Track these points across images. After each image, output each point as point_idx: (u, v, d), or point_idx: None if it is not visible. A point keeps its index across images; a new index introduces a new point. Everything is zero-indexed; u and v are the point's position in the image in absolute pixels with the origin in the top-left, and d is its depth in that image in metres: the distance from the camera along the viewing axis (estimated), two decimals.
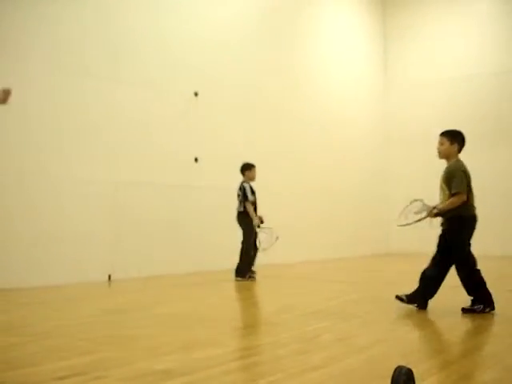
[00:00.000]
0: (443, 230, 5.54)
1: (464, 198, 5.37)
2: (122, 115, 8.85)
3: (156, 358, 3.66)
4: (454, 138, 5.56)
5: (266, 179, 11.02)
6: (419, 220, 5.46)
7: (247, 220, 8.58)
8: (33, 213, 7.69)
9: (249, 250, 8.58)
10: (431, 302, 5.59)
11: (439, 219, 5.57)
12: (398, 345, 4.19)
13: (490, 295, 5.34)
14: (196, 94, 9.98)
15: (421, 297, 5.54)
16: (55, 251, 7.86)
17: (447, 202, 5.39)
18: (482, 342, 4.13)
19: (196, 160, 9.91)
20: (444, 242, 5.50)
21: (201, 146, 10.03)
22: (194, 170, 9.88)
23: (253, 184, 8.80)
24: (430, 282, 5.54)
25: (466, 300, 5.48)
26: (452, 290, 7.32)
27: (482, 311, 5.29)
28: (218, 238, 10.03)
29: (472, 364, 3.49)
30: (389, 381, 2.35)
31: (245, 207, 8.62)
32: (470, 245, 5.50)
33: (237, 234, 9.81)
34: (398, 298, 5.66)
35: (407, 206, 5.60)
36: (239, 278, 8.47)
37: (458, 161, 5.56)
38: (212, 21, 10.42)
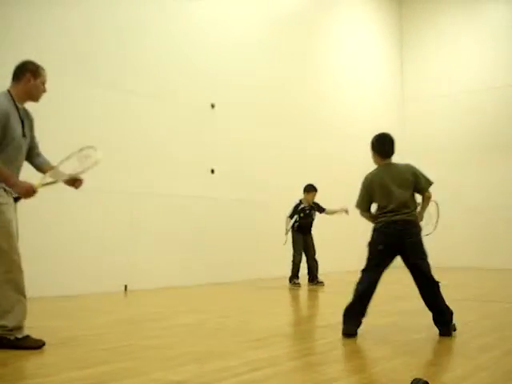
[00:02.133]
0: None
1: (362, 215, 5.22)
2: (139, 127, 8.90)
3: (171, 369, 3.66)
4: (371, 148, 5.31)
5: (280, 192, 11.03)
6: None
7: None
8: (49, 224, 7.74)
9: (294, 257, 9.36)
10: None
11: None
12: (414, 358, 4.14)
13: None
14: (213, 106, 10.02)
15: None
16: (71, 261, 7.89)
17: None
18: (499, 356, 4.07)
19: (212, 171, 9.93)
20: None
21: (217, 157, 10.05)
22: (211, 181, 9.90)
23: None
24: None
25: (487, 315, 5.42)
26: (465, 305, 7.26)
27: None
28: (234, 250, 10.03)
29: (489, 379, 3.45)
30: None
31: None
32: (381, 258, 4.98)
33: (251, 245, 9.87)
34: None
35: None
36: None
37: (370, 172, 5.27)
38: (228, 33, 10.47)
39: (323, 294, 8.46)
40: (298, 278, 9.27)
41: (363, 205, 5.16)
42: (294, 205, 9.53)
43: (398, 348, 4.49)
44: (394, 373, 3.63)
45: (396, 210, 4.91)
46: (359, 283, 5.01)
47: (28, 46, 7.61)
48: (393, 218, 4.89)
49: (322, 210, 9.64)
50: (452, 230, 12.98)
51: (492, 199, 13.46)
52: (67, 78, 8.04)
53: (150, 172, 8.99)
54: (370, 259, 5.01)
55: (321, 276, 9.42)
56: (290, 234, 9.44)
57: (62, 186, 7.40)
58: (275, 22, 11.64)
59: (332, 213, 9.72)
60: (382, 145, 5.22)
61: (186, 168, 9.53)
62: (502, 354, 4.18)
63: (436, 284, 4.95)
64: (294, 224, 9.43)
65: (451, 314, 4.92)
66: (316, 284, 9.31)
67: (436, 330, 4.94)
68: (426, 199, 5.18)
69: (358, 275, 5.07)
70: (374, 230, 5.04)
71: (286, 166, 11.35)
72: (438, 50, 14.98)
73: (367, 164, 13.92)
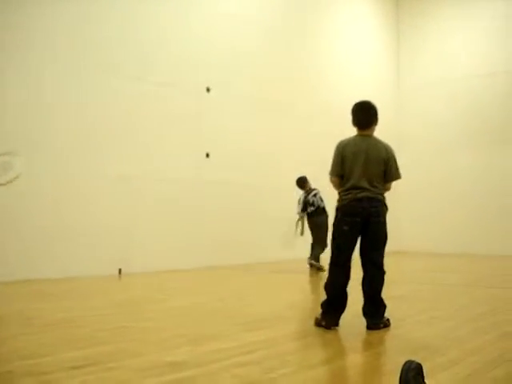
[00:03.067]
0: None
1: (333, 180, 4.64)
2: (135, 111, 8.89)
3: (167, 351, 3.69)
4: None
5: (274, 174, 11.06)
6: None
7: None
8: (45, 207, 7.75)
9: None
10: (444, 303, 5.58)
11: None
12: (406, 341, 4.19)
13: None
14: (208, 90, 10.01)
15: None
16: (67, 244, 7.92)
17: None
18: (491, 340, 4.12)
19: (207, 155, 9.94)
20: None
21: (212, 141, 10.05)
22: (206, 164, 9.91)
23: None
24: None
25: (478, 300, 5.46)
26: (457, 290, 7.33)
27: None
28: (229, 233, 10.08)
29: (481, 362, 3.49)
30: (398, 376, 2.36)
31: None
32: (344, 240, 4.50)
33: (247, 229, 9.88)
34: None
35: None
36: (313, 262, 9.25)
37: (346, 138, 4.80)
38: (225, 17, 10.44)
39: (322, 279, 8.50)
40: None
41: (336, 169, 4.60)
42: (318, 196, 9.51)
43: (390, 331, 4.54)
44: (386, 356, 3.69)
45: (362, 186, 4.43)
46: (328, 284, 4.61)
47: (39, 35, 7.58)
48: (358, 196, 4.42)
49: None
50: (444, 215, 13.07)
51: (484, 185, 13.52)
52: (76, 66, 8.01)
53: (145, 156, 8.99)
54: (335, 244, 4.55)
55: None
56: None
57: (58, 170, 7.40)
58: (273, 4, 11.59)
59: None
60: (356, 115, 4.83)
61: (181, 152, 9.54)
62: (494, 338, 4.23)
63: (383, 274, 4.56)
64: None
65: (384, 307, 4.56)
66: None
67: (429, 315, 4.99)
68: (385, 189, 4.64)
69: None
70: (338, 209, 4.56)
71: (282, 149, 11.36)
72: (433, 37, 14.99)
73: None
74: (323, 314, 4.52)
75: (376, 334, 4.33)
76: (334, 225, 4.56)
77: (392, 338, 4.29)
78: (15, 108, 7.53)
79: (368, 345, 3.93)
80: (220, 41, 10.29)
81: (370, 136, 4.72)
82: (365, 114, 4.76)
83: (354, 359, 3.56)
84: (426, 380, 2.35)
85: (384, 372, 3.21)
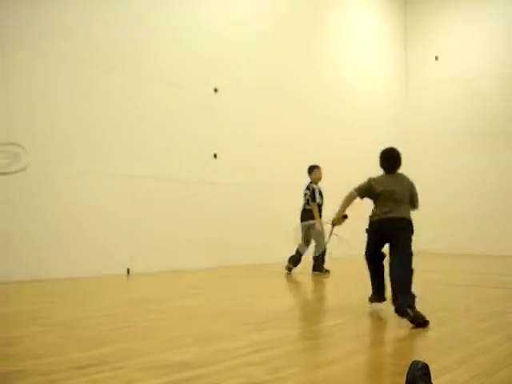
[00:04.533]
0: None
1: (353, 196, 5.52)
2: (142, 111, 8.91)
3: (174, 350, 3.71)
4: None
5: (283, 175, 11.06)
6: None
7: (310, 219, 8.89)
8: (53, 206, 7.78)
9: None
10: (452, 303, 5.57)
11: None
12: (414, 342, 4.20)
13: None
14: (216, 91, 10.02)
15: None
16: (74, 244, 7.94)
17: None
18: (498, 341, 4.12)
19: (215, 156, 9.96)
20: None
21: (220, 142, 10.07)
22: (213, 165, 9.92)
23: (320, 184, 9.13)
24: None
25: (487, 301, 5.45)
26: (465, 290, 7.31)
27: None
28: (237, 234, 10.08)
29: (488, 362, 3.49)
30: (405, 376, 2.36)
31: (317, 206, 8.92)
32: (375, 249, 5.46)
33: (256, 229, 9.87)
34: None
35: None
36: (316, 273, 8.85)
37: (378, 177, 5.56)
38: (232, 16, 10.45)
39: (329, 280, 8.49)
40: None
41: (362, 193, 5.45)
42: (312, 188, 8.96)
43: (398, 332, 4.54)
44: (393, 356, 3.68)
45: (392, 209, 5.22)
46: (370, 269, 5.54)
47: (32, 31, 7.62)
48: (388, 216, 5.20)
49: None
50: (452, 215, 13.03)
51: (493, 185, 13.44)
52: (76, 63, 8.04)
53: (152, 156, 9.01)
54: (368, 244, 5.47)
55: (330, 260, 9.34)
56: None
57: (66, 168, 7.44)
58: (282, 3, 11.60)
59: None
60: (387, 162, 5.51)
61: (189, 152, 9.56)
62: (501, 338, 4.22)
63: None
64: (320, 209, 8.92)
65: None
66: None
67: (436, 315, 4.98)
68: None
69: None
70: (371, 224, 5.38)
71: (289, 150, 11.35)
72: (442, 37, 14.93)
73: (368, 148, 13.94)
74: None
75: (382, 334, 4.34)
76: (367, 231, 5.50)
77: (399, 339, 4.29)
78: (20, 105, 7.55)
79: (375, 345, 3.93)
80: (228, 41, 10.30)
81: (397, 173, 5.52)
82: (394, 163, 5.49)
83: (361, 360, 3.57)
84: (432, 381, 2.35)
85: (391, 372, 3.21)
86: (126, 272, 8.48)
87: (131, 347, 3.80)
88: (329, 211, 10.31)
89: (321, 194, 8.98)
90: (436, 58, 14.88)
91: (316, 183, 9.04)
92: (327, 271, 8.91)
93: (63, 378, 3.03)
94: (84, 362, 3.35)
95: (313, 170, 9.12)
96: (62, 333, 4.24)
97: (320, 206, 8.92)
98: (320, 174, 9.08)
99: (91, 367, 3.26)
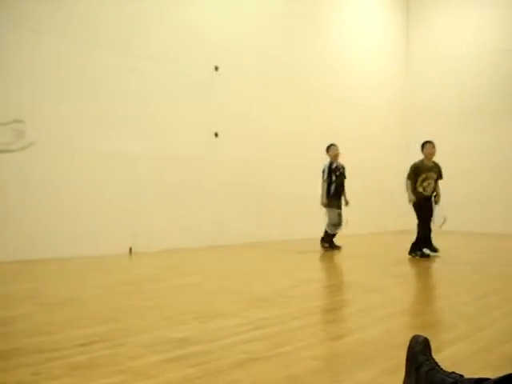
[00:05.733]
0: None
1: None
2: (142, 89, 8.84)
3: (173, 327, 3.70)
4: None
5: (284, 153, 11.03)
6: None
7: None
8: (53, 185, 7.76)
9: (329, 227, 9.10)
10: (455, 280, 5.57)
11: None
12: (415, 317, 4.20)
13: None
14: (216, 69, 9.94)
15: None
16: (76, 223, 7.94)
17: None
18: (499, 317, 4.11)
19: (216, 135, 9.91)
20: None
21: (221, 120, 10.01)
22: (214, 144, 9.88)
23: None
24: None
25: (491, 278, 5.44)
26: (466, 268, 7.31)
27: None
28: (237, 212, 10.07)
29: (490, 337, 3.48)
30: (405, 350, 2.35)
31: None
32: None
33: (254, 209, 9.85)
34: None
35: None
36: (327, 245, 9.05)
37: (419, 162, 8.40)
38: None
39: (333, 257, 8.49)
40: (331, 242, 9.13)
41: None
42: (325, 166, 9.16)
43: (399, 307, 4.54)
44: (395, 331, 3.68)
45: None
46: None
47: (29, 9, 7.54)
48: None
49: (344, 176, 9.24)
50: (455, 195, 12.97)
51: (495, 163, 13.40)
52: (69, 40, 7.98)
53: (153, 134, 8.97)
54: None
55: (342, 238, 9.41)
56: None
57: (65, 147, 7.41)
58: None
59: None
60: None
61: (190, 131, 9.51)
62: (502, 315, 4.22)
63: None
64: (329, 187, 9.08)
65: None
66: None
67: (439, 292, 4.98)
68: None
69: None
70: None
71: (290, 128, 11.29)
72: (444, 11, 14.76)
73: (368, 126, 13.88)
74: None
75: (384, 310, 4.33)
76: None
77: (400, 314, 4.29)
78: (18, 83, 7.50)
79: (376, 321, 3.92)
80: (229, 19, 10.20)
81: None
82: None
83: (362, 336, 3.56)
84: (433, 355, 2.34)
85: (392, 347, 3.20)
86: (128, 251, 8.48)
87: (132, 325, 3.80)
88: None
89: (332, 171, 9.11)
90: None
91: (333, 161, 9.18)
92: (338, 247, 9.06)
93: (63, 356, 3.02)
94: (84, 340, 3.35)
95: (327, 149, 9.28)
96: (62, 311, 4.24)
97: (331, 185, 9.07)
98: (335, 151, 9.21)
99: (91, 344, 3.26)
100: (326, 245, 9.06)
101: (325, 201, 9.02)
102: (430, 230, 8.29)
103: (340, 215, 9.06)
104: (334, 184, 9.08)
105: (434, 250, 8.28)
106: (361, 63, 13.60)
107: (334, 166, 9.13)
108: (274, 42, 11.11)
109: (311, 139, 11.50)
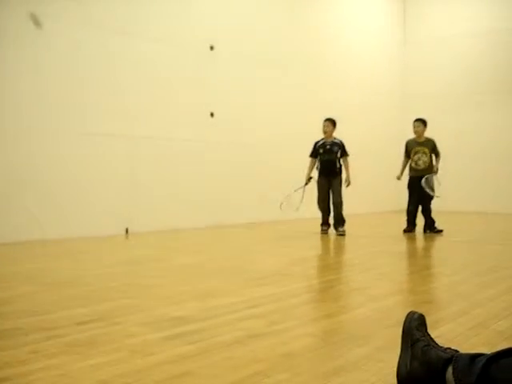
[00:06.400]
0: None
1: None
2: (137, 70, 8.80)
3: (172, 306, 3.73)
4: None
5: (279, 134, 11.02)
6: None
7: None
8: (49, 167, 7.75)
9: (318, 204, 8.91)
10: (450, 258, 5.59)
11: None
12: (411, 295, 4.23)
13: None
14: (212, 48, 9.88)
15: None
16: (73, 204, 7.94)
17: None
18: (495, 294, 4.14)
19: (212, 115, 9.88)
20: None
21: (217, 101, 9.98)
22: (210, 124, 9.86)
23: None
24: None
25: (486, 256, 5.47)
26: (463, 246, 7.35)
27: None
28: (234, 193, 10.08)
29: (485, 315, 3.51)
30: (401, 327, 2.37)
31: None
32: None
33: (251, 189, 9.85)
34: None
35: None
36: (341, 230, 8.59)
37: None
38: None
39: (331, 237, 8.52)
40: (325, 225, 8.79)
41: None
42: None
43: (395, 286, 4.57)
44: (390, 309, 3.71)
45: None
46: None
47: None
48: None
49: (344, 153, 8.71)
50: (453, 175, 13.00)
51: (493, 144, 13.40)
52: (66, 21, 7.91)
53: (149, 115, 8.94)
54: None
55: (313, 220, 9.15)
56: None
57: (62, 129, 7.40)
58: None
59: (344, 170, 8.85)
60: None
61: (186, 111, 9.48)
62: (498, 292, 4.24)
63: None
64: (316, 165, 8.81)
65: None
66: (338, 233, 8.54)
67: (434, 271, 5.00)
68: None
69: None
70: None
71: (286, 109, 11.27)
72: None
73: (364, 108, 13.84)
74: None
75: (380, 288, 4.36)
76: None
77: (397, 293, 4.32)
78: (10, 68, 7.46)
79: (372, 299, 3.95)
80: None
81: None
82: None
83: (358, 313, 3.59)
84: (429, 331, 2.36)
85: (388, 324, 3.23)
86: (124, 232, 8.50)
87: (130, 304, 3.82)
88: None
89: (316, 148, 8.82)
90: None
91: (323, 139, 8.83)
92: (324, 230, 8.85)
93: (62, 334, 3.04)
94: (83, 318, 3.37)
95: (324, 121, 8.91)
96: (60, 291, 4.25)
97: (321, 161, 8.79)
98: (325, 127, 8.80)
99: (90, 323, 3.27)
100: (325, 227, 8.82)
101: (306, 177, 8.79)
102: (415, 209, 8.76)
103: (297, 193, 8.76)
104: (319, 161, 8.77)
105: (409, 230, 8.72)
106: (357, 44, 13.53)
107: (320, 142, 8.78)
108: (270, 22, 11.04)
109: (309, 118, 11.47)
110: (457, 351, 2.14)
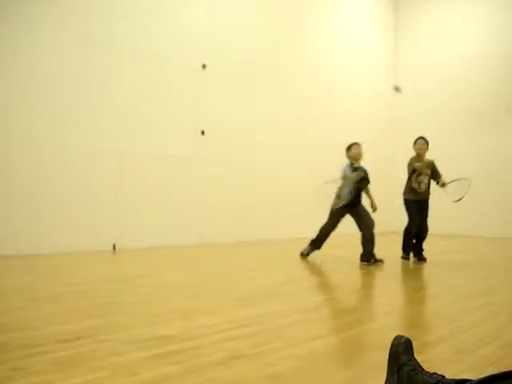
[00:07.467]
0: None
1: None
2: (129, 86, 8.82)
3: (158, 324, 3.70)
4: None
5: (271, 153, 11.04)
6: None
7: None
8: (36, 182, 7.71)
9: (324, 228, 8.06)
10: (438, 282, 5.59)
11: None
12: (398, 319, 4.22)
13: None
14: (204, 67, 9.93)
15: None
16: (60, 219, 7.90)
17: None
18: (482, 319, 4.14)
19: (203, 133, 9.89)
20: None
21: (208, 118, 10.00)
22: (201, 142, 9.87)
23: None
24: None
25: (474, 281, 5.48)
26: (457, 269, 7.36)
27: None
28: (223, 211, 10.07)
29: (472, 339, 3.51)
30: (388, 351, 2.36)
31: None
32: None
33: (240, 207, 9.83)
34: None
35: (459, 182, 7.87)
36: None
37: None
38: None
39: (321, 257, 8.50)
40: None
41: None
42: (345, 166, 7.86)
43: (382, 309, 4.56)
44: (377, 332, 3.70)
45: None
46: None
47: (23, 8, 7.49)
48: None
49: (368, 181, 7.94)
50: (438, 198, 13.06)
51: (481, 168, 13.48)
52: (59, 36, 7.93)
53: (139, 131, 8.94)
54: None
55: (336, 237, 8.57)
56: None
57: (51, 142, 7.37)
58: None
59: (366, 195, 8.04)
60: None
61: (176, 128, 9.49)
62: (485, 316, 4.24)
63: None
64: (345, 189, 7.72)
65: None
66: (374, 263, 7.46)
67: (422, 294, 5.00)
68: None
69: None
70: None
71: (277, 126, 11.31)
72: (432, 18, 14.86)
73: (358, 126, 13.90)
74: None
75: (367, 311, 4.35)
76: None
77: (383, 316, 4.31)
78: (8, 79, 7.46)
79: (359, 322, 3.94)
80: (217, 17, 10.19)
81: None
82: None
83: (345, 336, 3.57)
84: (415, 356, 2.35)
85: (375, 348, 3.22)
86: (111, 248, 8.45)
87: (115, 321, 3.78)
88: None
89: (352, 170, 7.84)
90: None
91: (351, 162, 7.89)
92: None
93: (46, 351, 3.01)
94: (67, 336, 3.33)
95: (347, 149, 7.98)
96: (46, 307, 4.21)
97: (357, 187, 7.80)
98: (356, 150, 7.90)
99: (75, 340, 3.24)
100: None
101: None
102: (414, 235, 8.02)
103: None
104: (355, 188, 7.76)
105: (407, 255, 7.96)
106: (349, 68, 13.64)
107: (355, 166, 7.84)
108: (261, 40, 11.12)
109: (298, 137, 11.53)
110: (443, 376, 2.14)
